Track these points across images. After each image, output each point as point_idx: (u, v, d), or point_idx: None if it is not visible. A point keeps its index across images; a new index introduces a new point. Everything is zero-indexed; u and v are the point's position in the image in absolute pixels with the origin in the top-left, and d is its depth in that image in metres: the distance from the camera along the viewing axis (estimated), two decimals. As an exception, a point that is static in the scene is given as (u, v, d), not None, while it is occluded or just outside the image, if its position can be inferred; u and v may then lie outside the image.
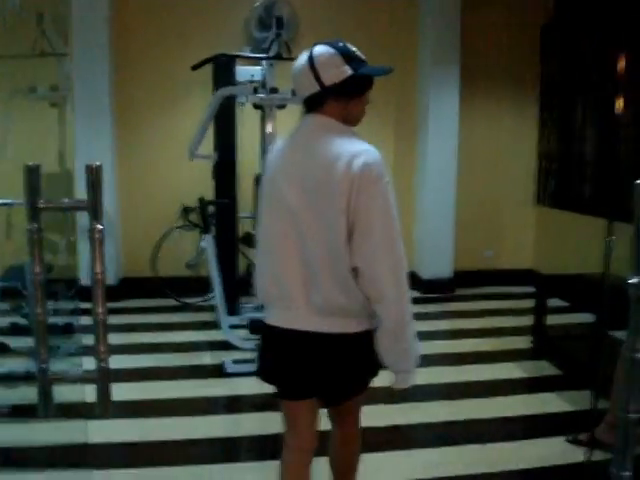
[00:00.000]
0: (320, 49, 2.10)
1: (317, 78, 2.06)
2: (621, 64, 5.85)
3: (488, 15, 6.78)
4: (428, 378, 4.40)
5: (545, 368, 4.63)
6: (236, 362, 4.40)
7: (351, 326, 2.13)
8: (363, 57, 2.14)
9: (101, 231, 1.65)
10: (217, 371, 4.41)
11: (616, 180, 5.91)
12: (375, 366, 2.24)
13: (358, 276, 2.04)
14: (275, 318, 2.20)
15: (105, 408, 1.75)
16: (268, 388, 2.28)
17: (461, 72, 6.52)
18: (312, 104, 2.12)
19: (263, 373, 2.31)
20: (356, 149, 2.02)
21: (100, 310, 1.67)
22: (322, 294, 2.07)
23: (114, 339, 5.12)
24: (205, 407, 3.93)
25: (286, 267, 2.11)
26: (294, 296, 2.11)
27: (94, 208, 1.64)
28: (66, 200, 1.71)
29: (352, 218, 1.99)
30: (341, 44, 2.12)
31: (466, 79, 6.57)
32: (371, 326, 2.15)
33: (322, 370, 2.18)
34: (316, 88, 2.07)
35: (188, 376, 4.38)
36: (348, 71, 2.06)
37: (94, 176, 1.64)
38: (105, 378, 1.73)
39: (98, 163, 1.64)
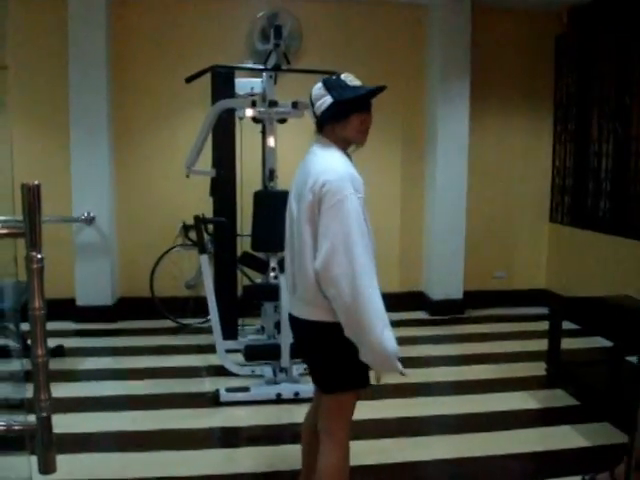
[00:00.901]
0: (316, 84, 2.46)
1: (313, 109, 2.47)
2: (638, 75, 5.62)
3: (499, 28, 6.58)
4: (434, 408, 4.18)
5: (560, 398, 4.34)
6: (230, 390, 4.14)
7: (316, 314, 2.37)
8: (354, 83, 2.40)
9: (40, 260, 1.42)
10: (212, 399, 4.16)
11: (634, 197, 5.67)
12: (346, 372, 2.39)
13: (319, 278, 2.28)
14: (290, 305, 2.60)
15: (48, 464, 1.52)
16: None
17: (471, 87, 6.29)
18: (318, 129, 2.48)
19: None
20: (324, 167, 2.33)
21: (40, 352, 1.44)
22: (298, 288, 2.43)
23: (108, 363, 4.98)
24: (196, 440, 3.67)
25: (289, 264, 2.54)
26: (291, 287, 2.53)
27: (32, 233, 1.42)
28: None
29: (315, 227, 2.29)
30: (334, 76, 2.44)
31: (476, 95, 6.34)
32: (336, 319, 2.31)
33: (302, 350, 2.69)
34: (314, 117, 2.48)
35: (182, 405, 4.12)
36: (329, 99, 2.38)
37: (32, 197, 1.41)
38: (47, 431, 1.49)
39: (37, 182, 1.41)
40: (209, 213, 5.24)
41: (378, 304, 2.23)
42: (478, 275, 6.71)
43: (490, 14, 6.46)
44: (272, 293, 4.27)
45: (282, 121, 4.93)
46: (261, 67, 4.46)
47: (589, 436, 3.71)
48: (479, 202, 6.60)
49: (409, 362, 4.90)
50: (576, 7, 6.39)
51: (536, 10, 6.56)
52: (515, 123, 6.77)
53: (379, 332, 2.20)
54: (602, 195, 6.16)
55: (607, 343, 4.77)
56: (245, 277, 5.66)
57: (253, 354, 4.26)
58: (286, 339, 4.09)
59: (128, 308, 6.05)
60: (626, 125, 5.71)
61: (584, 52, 6.35)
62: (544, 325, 6.00)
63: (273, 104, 4.52)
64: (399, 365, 2.27)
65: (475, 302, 6.63)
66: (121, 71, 6.01)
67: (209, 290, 4.42)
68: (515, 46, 6.65)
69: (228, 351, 4.55)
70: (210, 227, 5.50)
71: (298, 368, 4.38)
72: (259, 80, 4.95)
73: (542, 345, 5.12)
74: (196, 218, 4.55)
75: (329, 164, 2.33)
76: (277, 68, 4.40)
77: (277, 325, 4.57)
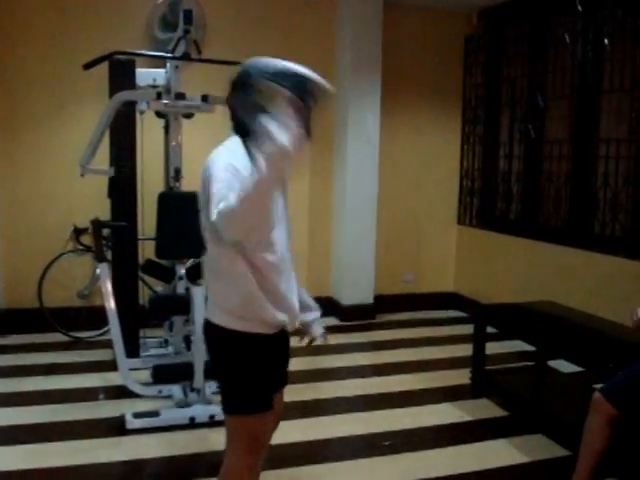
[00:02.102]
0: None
1: None
2: (547, 77, 5.60)
3: (410, 26, 6.44)
4: (346, 428, 3.84)
5: (488, 408, 4.16)
6: (138, 416, 3.70)
7: (214, 315, 2.16)
8: None
9: None
10: (117, 427, 3.70)
11: (546, 199, 5.65)
12: (242, 391, 2.14)
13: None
14: None
15: None
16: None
17: (382, 86, 6.09)
18: None
19: None
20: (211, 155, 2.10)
21: None
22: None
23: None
24: (101, 477, 3.23)
25: None
26: None
27: None
28: None
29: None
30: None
31: (387, 93, 6.15)
32: (230, 325, 2.10)
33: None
34: None
35: (81, 435, 3.60)
36: None
37: None
38: None
39: None
40: (105, 215, 4.75)
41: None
42: (388, 278, 6.53)
43: (401, 12, 6.30)
44: (183, 305, 3.86)
45: (188, 116, 4.53)
46: (169, 55, 4.04)
47: (526, 451, 3.54)
48: (389, 203, 6.41)
49: (318, 375, 4.69)
50: (486, 8, 6.32)
51: (447, 10, 6.47)
52: (425, 123, 6.64)
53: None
54: (513, 197, 6.12)
55: (525, 347, 4.70)
56: (146, 287, 5.20)
57: (162, 375, 3.84)
58: (199, 356, 3.69)
59: (13, 321, 5.44)
60: (539, 127, 5.67)
61: (493, 53, 6.31)
62: (457, 329, 5.96)
63: (180, 97, 4.10)
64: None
65: (385, 306, 6.44)
66: (7, 54, 5.37)
67: (110, 304, 3.97)
68: (426, 45, 6.52)
69: (131, 369, 4.11)
70: (106, 231, 4.99)
71: (211, 386, 3.99)
72: (162, 71, 4.52)
73: (461, 351, 5.01)
74: (94, 222, 4.10)
75: (216, 152, 2.10)
76: (187, 57, 3.99)
77: (187, 340, 4.17)
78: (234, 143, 2.09)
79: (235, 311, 2.09)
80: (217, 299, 2.16)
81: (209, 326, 2.19)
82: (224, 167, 1.99)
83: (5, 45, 5.36)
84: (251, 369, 2.13)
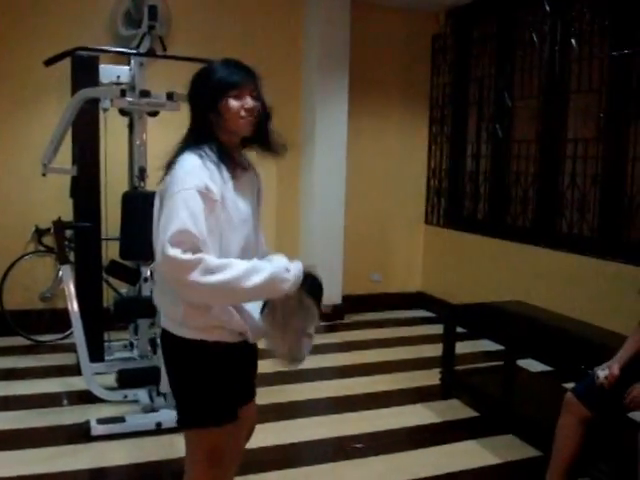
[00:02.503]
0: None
1: None
2: (515, 77, 5.61)
3: (377, 25, 6.39)
4: (318, 431, 3.78)
5: (458, 409, 4.15)
6: (102, 422, 3.59)
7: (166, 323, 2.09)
8: None
9: None
10: (81, 433, 3.58)
11: (514, 199, 5.66)
12: (197, 403, 2.05)
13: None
14: None
15: None
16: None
17: (350, 85, 6.04)
18: None
19: None
20: None
21: None
22: None
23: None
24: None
25: None
26: None
27: None
28: None
29: None
30: None
31: (354, 92, 6.10)
32: (174, 330, 2.03)
33: None
34: None
35: (44, 442, 3.48)
36: None
37: None
38: None
39: None
40: (67, 215, 4.63)
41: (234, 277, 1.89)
42: (356, 278, 6.49)
43: (369, 10, 6.26)
44: (149, 308, 3.76)
45: (153, 114, 4.43)
46: (133, 52, 3.94)
47: (497, 452, 3.52)
48: (356, 202, 6.37)
49: (287, 378, 4.61)
50: (453, 8, 6.32)
51: (414, 9, 6.44)
52: (392, 122, 6.61)
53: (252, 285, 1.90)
54: (480, 197, 6.13)
55: (494, 346, 4.69)
56: (111, 289, 5.07)
57: (127, 380, 3.74)
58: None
59: (-29, 325, 5.28)
60: (506, 126, 5.68)
61: (461, 53, 6.31)
62: (426, 329, 5.95)
63: (145, 94, 4.00)
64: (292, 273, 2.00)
65: (354, 306, 6.41)
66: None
67: (73, 306, 3.85)
68: (393, 44, 6.49)
69: (95, 374, 4.00)
70: (69, 232, 4.86)
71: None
72: (126, 68, 4.41)
73: (430, 351, 5.00)
74: (56, 223, 3.97)
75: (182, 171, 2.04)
76: (151, 53, 3.89)
77: (152, 343, 4.07)
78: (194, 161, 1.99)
79: (188, 320, 1.99)
80: (167, 309, 2.07)
81: (164, 334, 2.11)
82: (186, 197, 1.90)
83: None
84: (209, 379, 2.04)
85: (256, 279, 1.90)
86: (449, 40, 6.40)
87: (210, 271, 1.84)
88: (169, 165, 2.03)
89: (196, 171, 1.94)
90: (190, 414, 2.07)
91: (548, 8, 5.13)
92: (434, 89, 6.66)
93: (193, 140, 2.05)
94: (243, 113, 2.04)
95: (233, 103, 2.02)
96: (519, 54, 5.55)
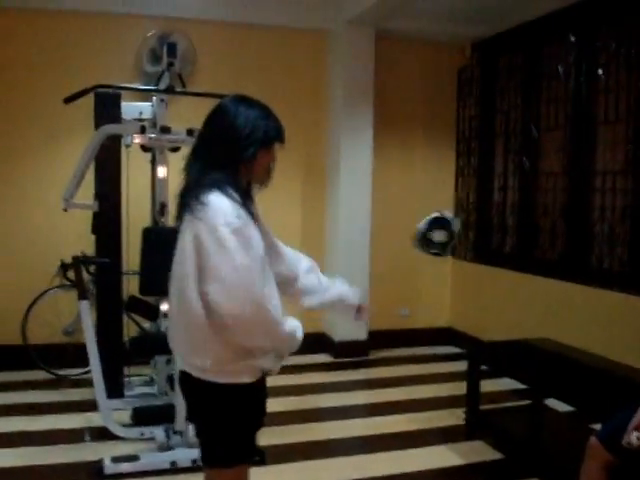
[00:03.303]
0: None
1: None
2: (541, 108, 5.53)
3: (402, 59, 6.41)
4: (341, 473, 3.67)
5: (482, 451, 4.00)
6: (116, 460, 3.55)
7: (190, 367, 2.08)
8: None
9: None
10: (96, 472, 3.52)
11: (542, 232, 5.54)
12: (227, 442, 2.03)
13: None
14: None
15: None
16: None
17: (375, 119, 6.02)
18: None
19: None
20: None
21: None
22: None
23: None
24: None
25: None
26: None
27: None
28: None
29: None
30: None
31: (379, 125, 6.08)
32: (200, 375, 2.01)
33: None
34: None
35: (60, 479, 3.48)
36: None
37: None
38: None
39: None
40: (91, 250, 4.66)
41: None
42: (380, 314, 6.37)
43: (394, 44, 6.28)
44: (164, 344, 3.72)
45: (175, 150, 4.44)
46: (152, 88, 3.96)
47: (522, 498, 3.39)
48: (383, 237, 6.30)
49: (310, 415, 4.53)
50: (479, 40, 6.29)
51: (439, 42, 6.43)
52: (419, 155, 6.57)
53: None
54: (508, 230, 6.02)
55: (520, 385, 4.55)
56: (134, 323, 5.06)
57: (143, 417, 3.71)
58: (181, 398, 3.55)
59: (-5, 359, 5.30)
60: (534, 159, 5.58)
61: (487, 85, 6.25)
62: (453, 366, 5.80)
63: (165, 130, 4.02)
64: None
65: (379, 342, 6.30)
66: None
67: (90, 342, 3.84)
68: (418, 78, 6.48)
69: (114, 409, 3.96)
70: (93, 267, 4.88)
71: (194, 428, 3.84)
72: (149, 104, 4.45)
73: (456, 389, 4.86)
74: (75, 259, 3.98)
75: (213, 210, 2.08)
76: (171, 90, 3.91)
77: (170, 380, 4.03)
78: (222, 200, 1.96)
79: (226, 365, 1.99)
80: (196, 356, 2.03)
81: (188, 378, 2.08)
82: (228, 233, 1.91)
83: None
84: (239, 420, 2.03)
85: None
86: (475, 72, 6.35)
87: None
88: (189, 204, 2.00)
89: (241, 214, 1.95)
90: (217, 453, 2.05)
91: (573, 39, 5.06)
92: (460, 122, 6.61)
93: (222, 182, 1.99)
94: (271, 166, 2.06)
95: (268, 157, 2.04)
96: (545, 85, 5.48)
